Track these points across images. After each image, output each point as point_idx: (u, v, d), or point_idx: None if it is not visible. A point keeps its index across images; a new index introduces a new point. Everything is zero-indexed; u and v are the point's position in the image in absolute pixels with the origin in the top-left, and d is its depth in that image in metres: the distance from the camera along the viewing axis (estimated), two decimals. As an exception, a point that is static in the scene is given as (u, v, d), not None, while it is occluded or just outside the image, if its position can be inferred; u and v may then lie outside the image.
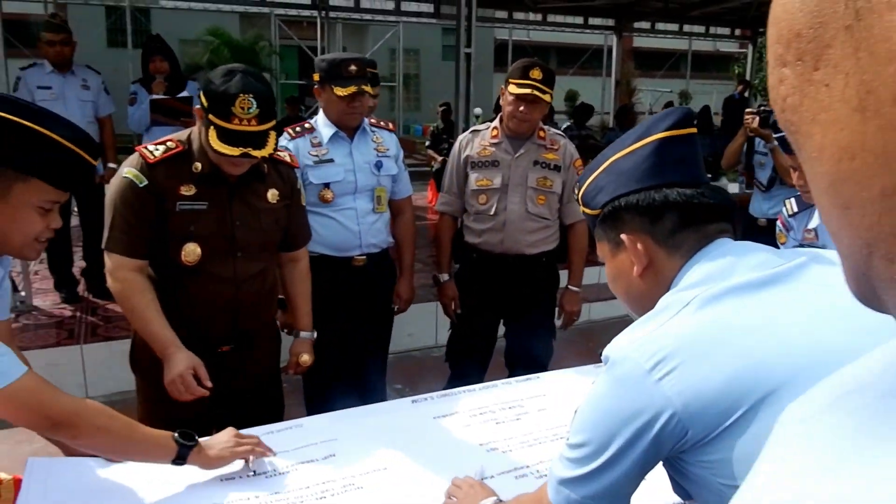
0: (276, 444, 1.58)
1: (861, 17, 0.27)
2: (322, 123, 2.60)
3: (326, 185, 2.54)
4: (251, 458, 1.49)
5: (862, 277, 0.32)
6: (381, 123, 2.77)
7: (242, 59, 13.24)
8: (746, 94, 10.60)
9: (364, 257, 2.64)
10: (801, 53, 0.30)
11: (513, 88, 2.61)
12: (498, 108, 2.97)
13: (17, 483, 1.47)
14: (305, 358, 2.11)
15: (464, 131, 3.30)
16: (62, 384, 1.64)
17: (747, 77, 11.59)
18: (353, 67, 2.48)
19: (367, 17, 13.03)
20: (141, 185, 1.77)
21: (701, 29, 12.34)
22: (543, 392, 1.89)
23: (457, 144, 2.88)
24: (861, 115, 0.28)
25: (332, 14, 9.76)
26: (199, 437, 1.48)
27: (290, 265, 2.14)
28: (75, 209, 4.64)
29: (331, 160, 2.55)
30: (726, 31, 12.46)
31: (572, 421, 1.00)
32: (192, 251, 1.83)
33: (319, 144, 2.56)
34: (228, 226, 1.87)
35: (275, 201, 1.95)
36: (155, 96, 4.45)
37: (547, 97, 2.61)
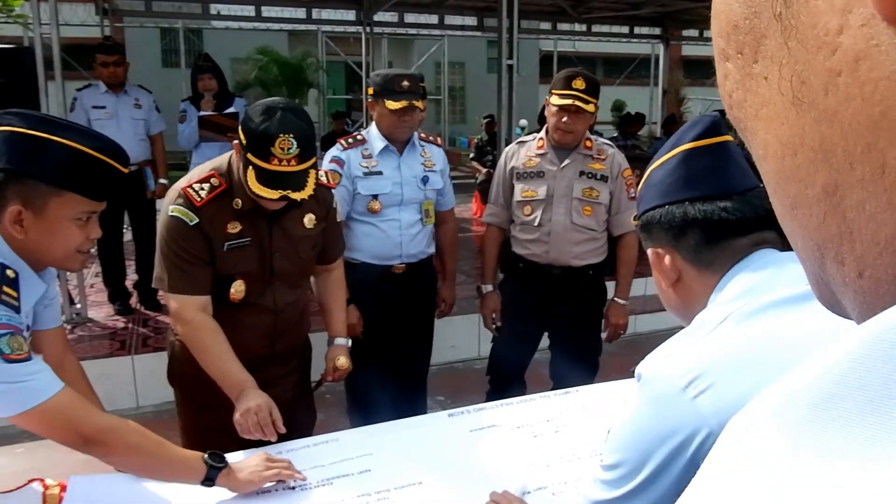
0: (312, 459, 1.59)
1: (789, 4, 0.25)
2: (374, 136, 2.71)
3: (374, 197, 2.65)
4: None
5: (821, 281, 0.29)
6: (430, 138, 2.89)
7: (290, 76, 13.53)
8: None
9: (404, 266, 2.74)
10: (740, 46, 0.28)
11: (555, 100, 2.60)
12: (543, 120, 2.95)
13: (63, 489, 1.50)
14: (342, 361, 2.04)
15: (507, 143, 3.36)
16: (114, 394, 1.70)
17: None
18: (405, 83, 2.61)
19: (412, 31, 13.18)
20: (192, 224, 1.74)
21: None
22: (583, 405, 1.85)
23: (503, 156, 2.88)
24: (797, 109, 0.26)
25: (377, 29, 9.89)
26: (235, 450, 1.49)
27: (324, 274, 2.11)
28: (128, 225, 4.80)
29: (379, 172, 2.66)
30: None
31: (606, 441, 0.97)
32: (239, 288, 1.83)
33: (370, 156, 2.66)
34: (268, 257, 1.85)
35: (311, 226, 1.92)
36: (203, 113, 4.57)
37: (590, 107, 2.58)
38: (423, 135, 2.84)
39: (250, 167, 1.65)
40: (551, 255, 2.70)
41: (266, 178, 1.64)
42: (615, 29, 11.54)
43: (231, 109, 4.61)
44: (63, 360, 1.65)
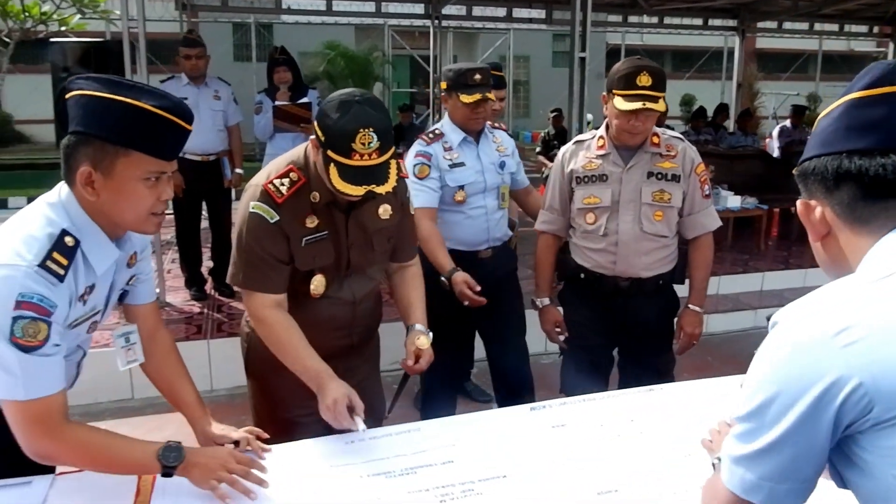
0: (395, 447, 1.60)
1: None
2: (449, 129, 2.83)
3: (461, 187, 2.79)
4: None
5: None
6: (496, 125, 3.04)
7: (357, 69, 13.71)
8: None
9: (490, 250, 2.89)
10: None
11: (620, 103, 2.27)
12: None
13: (154, 476, 1.53)
14: (423, 340, 1.90)
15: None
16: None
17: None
18: (477, 76, 2.71)
19: (478, 24, 13.14)
20: (272, 221, 1.73)
21: (834, 27, 11.54)
22: (663, 404, 1.80)
23: (559, 157, 2.60)
24: None
25: (443, 23, 9.89)
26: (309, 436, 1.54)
27: (401, 270, 2.05)
28: (205, 212, 4.94)
29: (462, 163, 2.79)
30: (863, 28, 11.60)
31: (742, 389, 0.90)
32: (319, 283, 1.81)
33: (450, 149, 2.80)
34: (344, 251, 1.83)
35: (387, 217, 1.88)
36: (278, 102, 4.66)
37: (660, 105, 2.27)
38: (489, 123, 2.96)
39: (332, 164, 1.62)
40: (619, 266, 2.46)
41: (349, 174, 1.61)
42: (688, 21, 11.21)
43: (305, 100, 4.69)
44: (155, 334, 1.70)
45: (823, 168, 0.94)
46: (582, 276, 2.54)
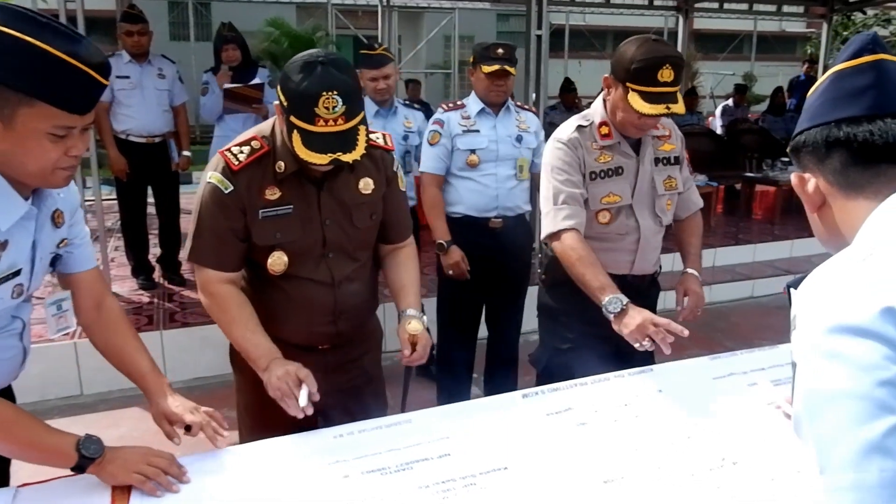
0: (387, 441, 1.53)
1: None
2: (472, 101, 3.12)
3: (472, 151, 3.03)
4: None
5: None
6: (526, 107, 3.30)
7: (301, 49, 13.29)
8: (813, 75, 10.14)
9: (500, 220, 3.06)
10: None
11: (638, 103, 1.93)
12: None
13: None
14: (414, 324, 1.73)
15: (543, 118, 3.32)
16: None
17: (821, 57, 11.07)
18: (500, 50, 2.99)
19: (424, 3, 12.96)
20: (227, 192, 1.62)
21: (771, 7, 11.83)
22: (660, 387, 1.77)
23: (563, 143, 2.12)
24: None
25: (390, 2, 9.69)
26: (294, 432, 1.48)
27: (393, 252, 1.90)
28: (151, 198, 4.71)
29: (476, 131, 3.04)
30: (799, 9, 11.92)
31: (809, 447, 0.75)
32: (278, 260, 1.68)
33: (468, 117, 3.06)
34: (318, 227, 1.70)
35: (369, 191, 1.75)
36: (227, 85, 4.47)
37: (681, 105, 1.95)
38: (519, 103, 3.25)
39: (295, 131, 1.51)
40: (637, 265, 2.21)
41: (313, 141, 1.50)
42: (631, 0, 11.31)
43: (256, 81, 4.51)
44: (101, 302, 1.57)
45: (814, 139, 0.95)
46: None
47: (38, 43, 1.15)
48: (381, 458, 1.47)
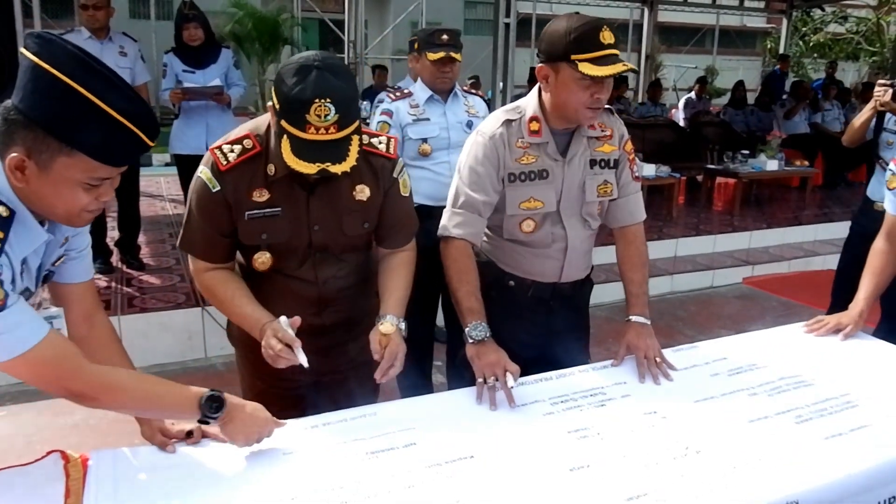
0: (352, 432, 1.51)
1: None
2: (419, 88, 3.07)
3: (424, 140, 3.01)
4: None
5: None
6: (473, 91, 3.27)
7: (265, 31, 13.10)
8: (787, 70, 10.38)
9: None
10: None
11: (590, 68, 1.71)
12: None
13: (85, 462, 1.41)
14: (385, 325, 1.65)
15: (503, 104, 3.28)
16: None
17: (781, 51, 11.30)
18: (444, 36, 2.96)
19: (391, -12, 12.82)
20: (214, 191, 1.61)
21: (733, 2, 12.02)
22: (624, 379, 1.79)
23: (482, 140, 1.92)
24: None
25: (357, -16, 9.56)
26: (294, 416, 1.50)
27: (388, 257, 1.82)
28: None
29: (427, 119, 3.02)
30: (760, 4, 12.14)
31: None
32: (263, 260, 1.69)
33: (417, 106, 3.02)
34: (305, 231, 1.67)
35: (364, 199, 1.69)
36: (187, 85, 4.36)
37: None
38: (465, 87, 3.21)
39: (285, 136, 1.46)
40: (566, 272, 2.02)
41: (301, 148, 1.45)
42: (598, -9, 11.38)
43: (216, 82, 4.41)
44: (93, 317, 1.52)
45: None
46: (511, 283, 2.03)
47: (92, 97, 1.12)
48: (345, 447, 1.45)
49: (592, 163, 1.93)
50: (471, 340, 1.79)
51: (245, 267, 1.75)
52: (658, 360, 1.84)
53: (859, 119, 3.62)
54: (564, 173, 1.91)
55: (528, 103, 1.93)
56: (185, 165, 4.60)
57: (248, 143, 1.61)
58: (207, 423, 1.39)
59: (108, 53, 4.19)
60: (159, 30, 12.03)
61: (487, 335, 1.79)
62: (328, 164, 1.46)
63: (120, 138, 1.17)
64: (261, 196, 1.62)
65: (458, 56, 2.97)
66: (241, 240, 1.67)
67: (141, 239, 4.92)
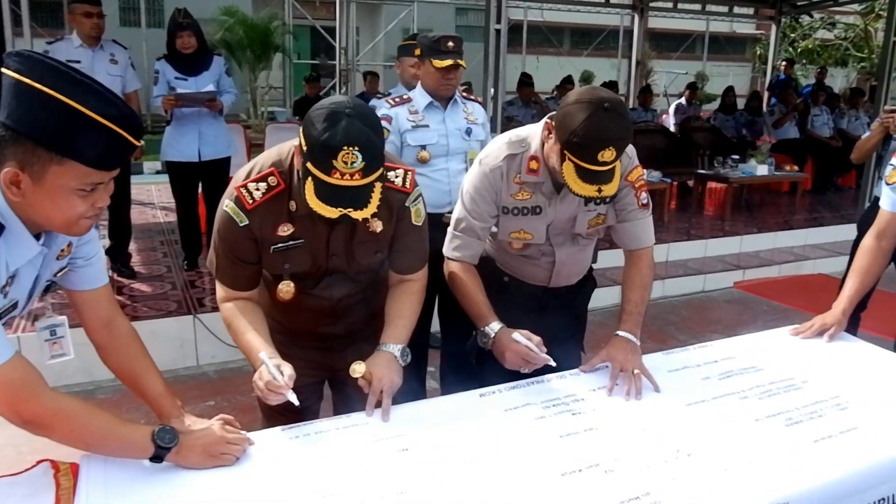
0: (344, 440, 1.52)
1: None
2: (418, 94, 3.03)
3: (423, 147, 2.98)
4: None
5: None
6: (472, 97, 3.21)
7: (257, 38, 13.09)
8: (791, 75, 10.47)
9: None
10: None
11: (571, 177, 1.72)
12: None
13: (75, 471, 1.40)
14: (360, 366, 1.66)
15: (500, 112, 3.27)
16: (92, 363, 1.61)
17: (769, 57, 11.39)
18: (450, 43, 2.90)
19: (383, -4, 12.87)
20: (242, 225, 1.64)
21: (723, 8, 12.11)
22: (616, 383, 1.80)
23: (487, 170, 1.95)
24: None
25: (349, -8, 9.60)
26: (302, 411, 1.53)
27: (398, 284, 1.86)
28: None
29: (426, 125, 2.98)
30: (749, 10, 12.23)
31: None
32: (286, 289, 1.74)
33: (416, 112, 2.99)
34: (324, 259, 1.74)
35: (378, 231, 1.74)
36: (181, 91, 4.36)
37: (613, 185, 1.75)
38: (464, 94, 3.15)
39: (310, 178, 1.48)
40: (554, 280, 2.11)
41: (325, 193, 1.47)
42: (589, -2, 11.45)
43: (209, 88, 4.41)
44: (112, 322, 1.53)
45: None
46: (506, 279, 2.15)
47: (73, 103, 1.14)
48: (337, 455, 1.45)
49: (587, 200, 1.87)
50: (485, 339, 1.91)
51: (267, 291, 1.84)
52: (636, 372, 1.80)
53: (869, 141, 3.92)
54: (556, 210, 1.96)
55: (535, 138, 1.91)
56: (177, 173, 4.59)
57: (272, 180, 1.63)
58: (161, 459, 1.37)
59: (99, 61, 4.19)
60: (150, 37, 12.06)
61: (497, 331, 1.89)
62: (350, 209, 1.48)
63: (106, 141, 1.19)
64: (285, 231, 1.67)
65: (463, 63, 2.95)
66: (266, 270, 1.76)
67: (132, 247, 4.90)
